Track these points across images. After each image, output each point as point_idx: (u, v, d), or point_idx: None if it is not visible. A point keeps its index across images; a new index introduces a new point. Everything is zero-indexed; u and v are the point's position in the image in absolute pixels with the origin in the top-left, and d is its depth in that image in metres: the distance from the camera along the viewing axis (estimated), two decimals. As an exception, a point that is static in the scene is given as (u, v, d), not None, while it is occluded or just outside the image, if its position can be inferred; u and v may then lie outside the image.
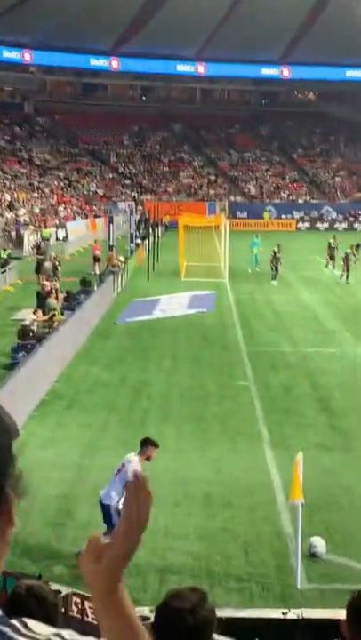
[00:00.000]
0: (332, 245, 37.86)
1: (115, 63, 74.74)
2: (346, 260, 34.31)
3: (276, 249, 34.37)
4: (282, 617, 6.20)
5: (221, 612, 5.54)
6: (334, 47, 74.54)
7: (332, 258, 37.56)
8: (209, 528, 10.44)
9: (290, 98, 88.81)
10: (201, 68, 77.55)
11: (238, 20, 73.10)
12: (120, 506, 8.11)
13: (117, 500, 8.94)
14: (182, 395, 16.80)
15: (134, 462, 9.34)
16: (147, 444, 9.65)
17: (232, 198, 71.27)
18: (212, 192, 72.89)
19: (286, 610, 6.59)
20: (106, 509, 9.24)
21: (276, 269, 34.08)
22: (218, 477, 12.14)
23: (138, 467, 9.09)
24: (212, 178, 75.92)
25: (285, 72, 78.65)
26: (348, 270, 33.91)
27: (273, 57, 77.69)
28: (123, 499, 7.10)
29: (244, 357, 20.20)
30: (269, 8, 71.17)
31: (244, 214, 68.70)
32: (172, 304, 28.10)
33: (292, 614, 6.29)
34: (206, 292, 30.74)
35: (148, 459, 9.45)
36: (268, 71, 78.91)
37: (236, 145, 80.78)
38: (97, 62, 74.17)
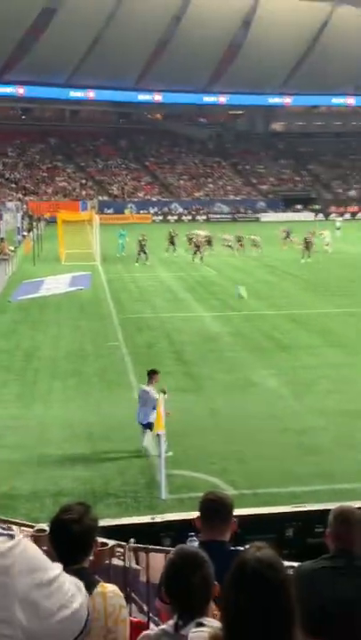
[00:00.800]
0: (172, 234, 37.98)
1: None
2: (196, 245, 35.08)
3: (140, 237, 34.24)
4: (151, 521, 6.24)
5: (103, 522, 5.53)
6: (177, 77, 74.88)
7: (172, 243, 37.67)
8: (92, 458, 10.39)
9: (141, 117, 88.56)
10: (70, 93, 76.32)
11: (103, 50, 72.00)
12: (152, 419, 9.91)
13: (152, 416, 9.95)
14: (66, 356, 16.57)
15: (152, 391, 10.27)
16: (151, 374, 10.72)
17: (100, 198, 70.50)
18: (83, 193, 71.82)
19: (154, 515, 6.64)
20: (148, 425, 10.22)
21: (144, 253, 33.92)
22: (98, 419, 12.08)
23: (155, 393, 10.03)
24: (83, 182, 74.78)
25: (139, 97, 78.84)
26: (198, 252, 34.72)
27: (129, 84, 77.23)
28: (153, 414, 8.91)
29: (115, 323, 20.12)
30: (124, 40, 70.48)
31: (111, 210, 68.15)
32: (56, 283, 27.58)
33: (159, 518, 6.35)
34: (83, 273, 30.38)
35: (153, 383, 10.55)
36: (124, 95, 78.69)
37: (101, 155, 79.82)
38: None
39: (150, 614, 4.01)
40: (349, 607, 3.10)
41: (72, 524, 2.89)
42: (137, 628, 3.37)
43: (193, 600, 2.40)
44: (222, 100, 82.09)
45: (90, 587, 2.81)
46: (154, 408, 9.96)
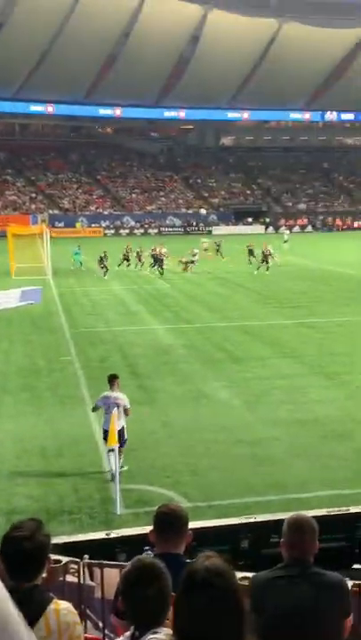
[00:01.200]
0: (126, 251, 37.82)
1: None
2: (156, 258, 35.62)
3: (102, 254, 34.29)
4: (106, 537, 6.18)
5: (57, 540, 5.45)
6: (128, 91, 75.16)
7: (126, 259, 37.55)
8: (46, 474, 10.23)
9: (92, 131, 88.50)
10: (20, 107, 75.86)
11: (50, 64, 71.84)
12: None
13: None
14: (18, 370, 16.33)
15: (120, 396, 10.15)
16: (111, 379, 10.48)
17: (51, 211, 70.05)
18: (33, 207, 71.26)
19: (109, 531, 6.59)
20: (121, 432, 9.83)
21: (105, 267, 34.08)
22: (51, 434, 11.92)
23: (121, 397, 10.11)
24: (33, 195, 74.20)
25: (90, 111, 79.00)
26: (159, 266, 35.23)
27: (78, 98, 77.18)
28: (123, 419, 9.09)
29: (67, 338, 19.95)
30: (73, 55, 70.47)
31: (62, 224, 67.82)
32: (6, 298, 27.19)
33: (114, 534, 6.30)
34: (34, 287, 30.06)
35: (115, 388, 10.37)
36: (75, 110, 78.69)
37: (51, 169, 79.38)
38: None
39: (106, 631, 3.97)
40: (303, 615, 3.13)
41: (23, 541, 2.84)
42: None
43: (150, 611, 2.39)
44: (174, 114, 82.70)
45: (43, 604, 2.77)
46: (126, 413, 10.09)
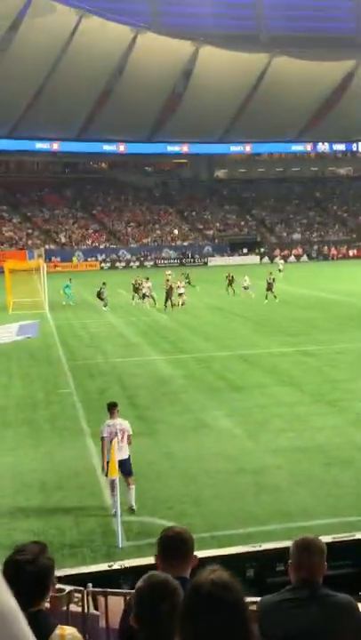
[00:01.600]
0: (136, 284, 37.47)
1: None
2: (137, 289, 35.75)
3: (101, 286, 34.90)
4: (109, 568, 6.07)
5: (60, 572, 5.35)
6: (121, 126, 76.17)
7: (136, 291, 37.16)
8: (45, 508, 10.11)
9: (87, 167, 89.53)
10: (15, 144, 76.77)
11: (45, 101, 72.84)
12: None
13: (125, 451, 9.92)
14: (17, 404, 16.24)
15: (124, 423, 10.12)
16: (111, 407, 10.27)
17: (47, 246, 70.48)
18: (30, 242, 71.68)
19: (112, 563, 6.47)
20: (126, 465, 9.86)
21: (102, 299, 34.56)
22: (50, 467, 11.81)
23: (126, 425, 10.09)
24: (30, 231, 74.72)
25: (84, 147, 80.00)
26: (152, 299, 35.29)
27: (73, 135, 78.19)
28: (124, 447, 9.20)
29: (65, 370, 19.89)
30: (68, 91, 71.58)
31: (58, 258, 68.19)
32: (4, 333, 27.20)
33: (117, 565, 6.18)
34: (31, 321, 30.08)
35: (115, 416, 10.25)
36: (70, 146, 79.68)
37: (47, 204, 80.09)
38: None
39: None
40: (313, 638, 3.06)
41: (26, 565, 2.78)
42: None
43: (162, 628, 2.34)
44: (176, 148, 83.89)
45: (48, 629, 2.71)
46: (128, 441, 9.98)
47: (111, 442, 9.59)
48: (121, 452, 9.67)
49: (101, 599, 4.14)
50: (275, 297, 34.88)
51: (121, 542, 8.72)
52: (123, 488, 9.37)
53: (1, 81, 68.97)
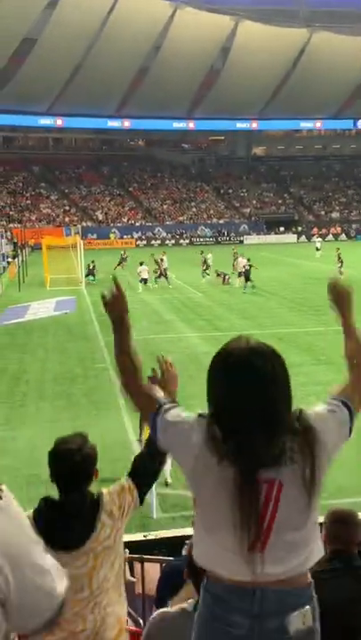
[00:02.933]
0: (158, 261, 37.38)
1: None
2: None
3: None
4: (144, 538, 6.16)
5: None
6: (158, 103, 75.71)
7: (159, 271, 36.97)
8: (82, 479, 10.26)
9: (124, 144, 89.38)
10: (58, 121, 77.15)
11: (83, 78, 72.78)
12: None
13: None
14: (54, 378, 16.48)
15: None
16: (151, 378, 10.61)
17: (84, 223, 70.76)
18: (67, 219, 72.05)
19: (147, 533, 6.56)
20: None
21: (164, 276, 34.29)
22: (86, 440, 11.97)
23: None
24: (67, 208, 75.06)
25: (126, 124, 79.83)
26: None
27: (109, 112, 77.99)
28: None
29: (102, 345, 20.06)
30: (103, 71, 71.44)
31: (95, 236, 68.42)
32: (41, 308, 27.53)
33: (152, 536, 6.27)
34: (68, 297, 30.35)
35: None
36: (112, 123, 79.64)
37: (84, 181, 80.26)
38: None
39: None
40: (350, 610, 3.06)
41: (72, 453, 2.96)
42: (136, 636, 3.33)
43: None
44: (201, 126, 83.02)
45: (97, 504, 3.00)
46: None
47: None
48: None
49: (137, 565, 4.21)
50: (253, 287, 31.58)
51: (155, 513, 8.83)
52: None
53: (39, 58, 69.01)
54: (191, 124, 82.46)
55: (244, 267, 32.31)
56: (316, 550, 2.21)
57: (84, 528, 3.00)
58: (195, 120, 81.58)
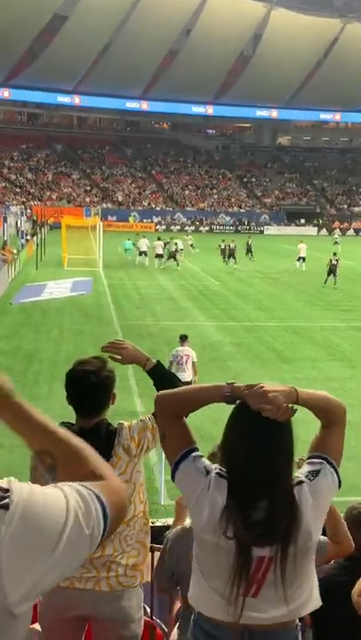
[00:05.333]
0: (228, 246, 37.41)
1: (6, 93, 72.45)
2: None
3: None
4: (151, 525, 6.19)
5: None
6: (186, 87, 75.23)
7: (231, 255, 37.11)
8: (91, 462, 10.30)
9: (148, 126, 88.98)
10: (77, 100, 76.60)
11: (108, 60, 72.45)
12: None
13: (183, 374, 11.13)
14: (68, 359, 16.50)
15: (190, 350, 11.97)
16: (182, 338, 12.38)
17: (104, 205, 70.70)
18: (87, 199, 72.02)
19: (155, 520, 6.59)
20: (189, 383, 11.46)
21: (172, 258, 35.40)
22: (97, 422, 12.01)
23: (191, 352, 11.89)
24: (88, 188, 74.99)
25: (145, 106, 79.25)
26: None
27: (135, 93, 77.57)
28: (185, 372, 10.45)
29: (117, 329, 20.11)
30: (131, 52, 71.02)
31: (114, 218, 68.35)
32: (58, 288, 27.58)
33: (159, 523, 6.30)
34: (85, 278, 30.39)
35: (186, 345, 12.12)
36: (131, 104, 79.08)
37: (106, 162, 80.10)
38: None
39: (153, 617, 3.97)
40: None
41: (90, 375, 2.92)
42: (147, 627, 3.36)
43: None
44: (231, 112, 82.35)
45: (115, 429, 3.05)
46: (190, 363, 11.70)
47: (176, 364, 11.43)
48: (182, 373, 11.17)
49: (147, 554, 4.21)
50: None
51: (163, 500, 8.86)
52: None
53: (68, 36, 68.73)
54: (210, 110, 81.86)
55: (330, 261, 30.69)
56: (310, 602, 2.33)
57: None
58: (214, 105, 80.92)
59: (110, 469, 1.53)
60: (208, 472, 2.36)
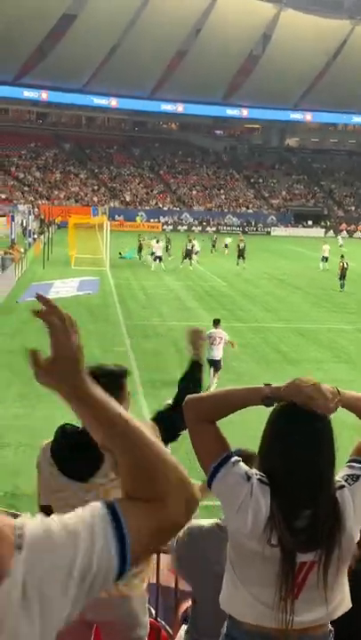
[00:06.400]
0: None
1: (16, 91, 72.70)
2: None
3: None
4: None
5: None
6: (194, 87, 75.18)
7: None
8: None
9: (157, 126, 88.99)
10: (88, 99, 76.80)
11: (117, 60, 72.48)
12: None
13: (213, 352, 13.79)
14: (73, 358, 16.50)
15: (222, 332, 14.35)
16: (216, 322, 14.57)
17: (111, 204, 70.71)
18: (95, 199, 72.08)
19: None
20: (218, 363, 14.18)
21: (188, 258, 35.61)
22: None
23: (224, 334, 14.33)
24: (96, 188, 75.06)
25: (154, 106, 79.35)
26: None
27: (144, 93, 77.61)
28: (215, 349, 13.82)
29: (122, 329, 20.11)
30: (140, 52, 71.03)
31: (122, 217, 68.37)
32: (65, 287, 27.57)
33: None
34: (92, 277, 30.40)
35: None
36: (140, 104, 79.22)
37: (114, 162, 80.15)
38: None
39: (158, 618, 3.95)
40: None
41: (98, 367, 2.97)
42: (152, 629, 3.34)
43: None
44: (241, 113, 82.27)
45: None
46: (231, 345, 14.53)
47: (210, 344, 13.36)
48: (214, 352, 13.69)
49: (153, 555, 4.19)
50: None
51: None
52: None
53: (77, 36, 68.81)
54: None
55: (341, 265, 30.30)
56: (343, 604, 2.33)
57: (91, 461, 3.00)
58: (222, 106, 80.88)
59: (186, 482, 1.40)
60: (249, 477, 2.29)
